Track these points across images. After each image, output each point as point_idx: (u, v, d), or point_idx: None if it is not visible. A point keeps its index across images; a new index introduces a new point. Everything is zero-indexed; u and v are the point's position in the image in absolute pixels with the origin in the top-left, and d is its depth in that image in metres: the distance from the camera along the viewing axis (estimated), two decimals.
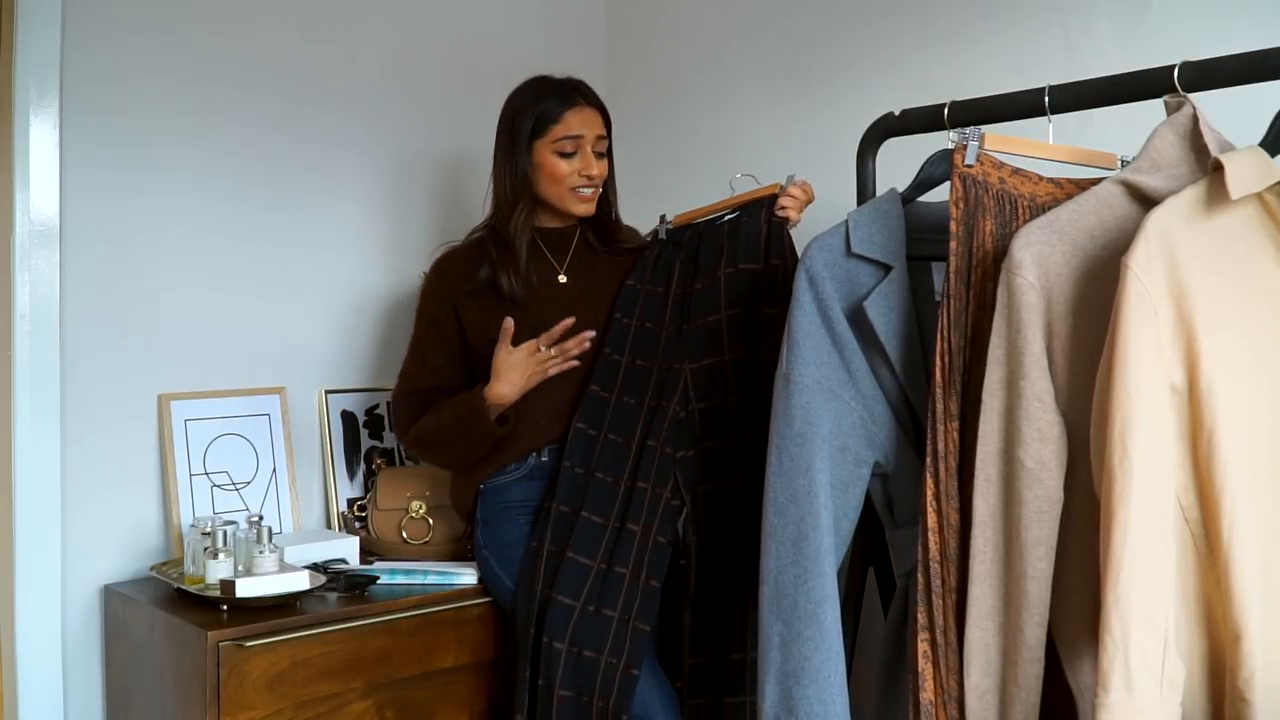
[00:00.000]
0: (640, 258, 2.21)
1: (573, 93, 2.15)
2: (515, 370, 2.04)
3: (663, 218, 2.22)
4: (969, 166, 1.50)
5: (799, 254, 1.93)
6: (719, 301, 2.00)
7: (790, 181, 2.02)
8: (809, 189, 2.03)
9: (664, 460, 1.97)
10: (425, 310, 2.22)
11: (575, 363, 2.05)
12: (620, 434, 2.05)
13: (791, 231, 2.00)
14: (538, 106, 2.13)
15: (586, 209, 2.18)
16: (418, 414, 2.16)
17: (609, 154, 2.21)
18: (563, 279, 2.20)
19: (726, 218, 2.09)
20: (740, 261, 1.99)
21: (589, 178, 2.14)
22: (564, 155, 2.13)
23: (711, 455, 1.98)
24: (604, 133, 2.17)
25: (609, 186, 2.22)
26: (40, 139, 2.19)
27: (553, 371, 2.05)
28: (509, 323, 2.03)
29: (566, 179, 2.13)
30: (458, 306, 2.17)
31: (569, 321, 2.02)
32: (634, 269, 2.20)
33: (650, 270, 2.17)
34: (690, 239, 2.13)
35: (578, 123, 2.13)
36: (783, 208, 1.99)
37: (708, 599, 1.97)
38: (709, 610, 1.97)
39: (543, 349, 2.03)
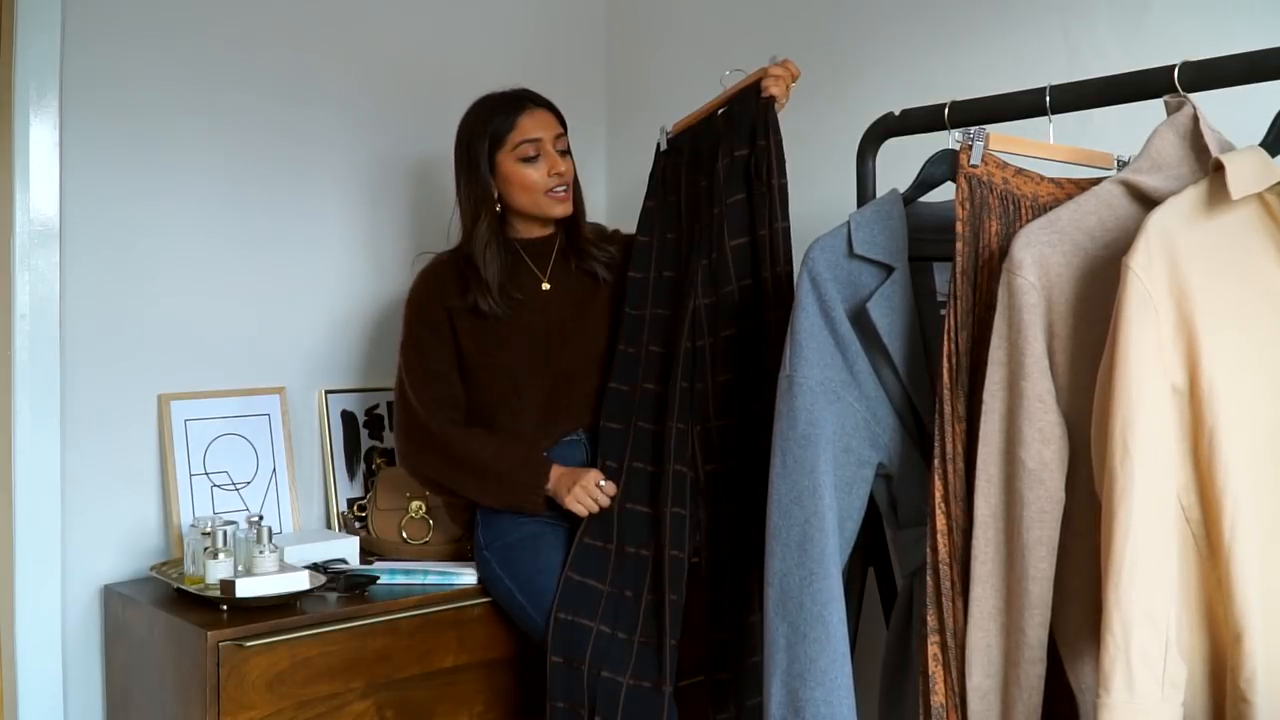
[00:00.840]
0: (648, 180, 2.18)
1: (521, 99, 2.15)
2: (574, 491, 2.07)
3: (662, 129, 2.18)
4: (974, 167, 1.50)
5: (782, 136, 1.94)
6: (719, 194, 1.99)
7: (772, 61, 1.98)
8: (791, 65, 1.98)
9: (686, 353, 1.99)
10: (420, 317, 2.18)
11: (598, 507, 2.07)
12: (659, 344, 2.06)
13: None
14: (490, 122, 2.13)
15: (565, 209, 2.17)
16: (450, 426, 2.13)
17: (570, 153, 2.19)
18: (546, 286, 2.20)
19: (720, 112, 2.07)
20: (736, 149, 1.98)
21: (559, 175, 2.13)
22: (528, 161, 2.12)
23: (715, 348, 1.98)
24: (561, 131, 2.17)
25: (575, 186, 2.21)
26: (40, 140, 2.19)
27: (578, 504, 2.07)
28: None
29: (539, 185, 2.13)
30: (452, 313, 2.16)
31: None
32: (647, 189, 2.17)
33: (660, 186, 2.15)
34: (689, 142, 2.11)
35: (532, 125, 2.12)
36: (766, 88, 1.96)
37: (722, 535, 1.99)
38: (724, 548, 1.98)
39: (599, 488, 2.06)
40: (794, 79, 1.99)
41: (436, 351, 2.16)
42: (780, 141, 1.94)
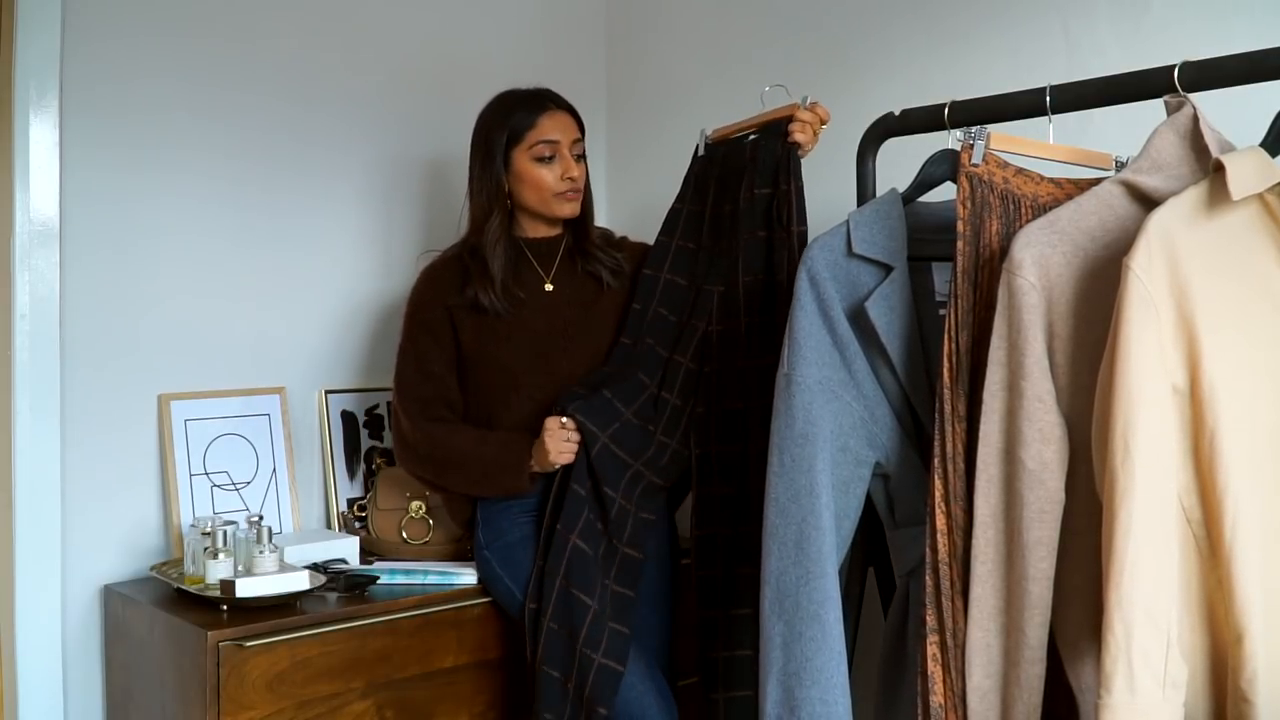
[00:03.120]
0: (683, 180, 2.20)
1: (543, 99, 2.15)
2: (546, 445, 2.04)
3: (703, 132, 2.18)
4: (975, 166, 1.50)
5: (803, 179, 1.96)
6: (739, 227, 2.01)
7: (804, 103, 1.99)
8: (820, 111, 1.98)
9: (688, 374, 2.05)
10: (418, 318, 2.18)
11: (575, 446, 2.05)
12: (656, 339, 2.11)
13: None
14: (510, 118, 2.13)
15: (572, 209, 2.17)
16: (432, 424, 2.13)
17: (584, 159, 2.19)
18: (549, 287, 2.20)
19: (750, 138, 2.07)
20: (757, 186, 1.99)
21: (572, 180, 2.14)
22: (542, 161, 2.12)
23: (724, 376, 2.02)
24: (579, 135, 2.17)
25: (586, 190, 2.21)
26: (40, 139, 2.19)
27: (562, 455, 2.04)
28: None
29: (550, 186, 2.13)
30: (453, 312, 2.16)
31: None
32: (679, 190, 2.18)
33: (692, 190, 2.17)
34: (722, 156, 2.12)
35: (551, 127, 2.13)
36: (792, 133, 1.96)
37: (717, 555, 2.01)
38: (739, 568, 1.99)
39: (563, 428, 2.04)
40: (822, 124, 2.00)
41: (433, 353, 2.16)
42: (801, 188, 1.95)
